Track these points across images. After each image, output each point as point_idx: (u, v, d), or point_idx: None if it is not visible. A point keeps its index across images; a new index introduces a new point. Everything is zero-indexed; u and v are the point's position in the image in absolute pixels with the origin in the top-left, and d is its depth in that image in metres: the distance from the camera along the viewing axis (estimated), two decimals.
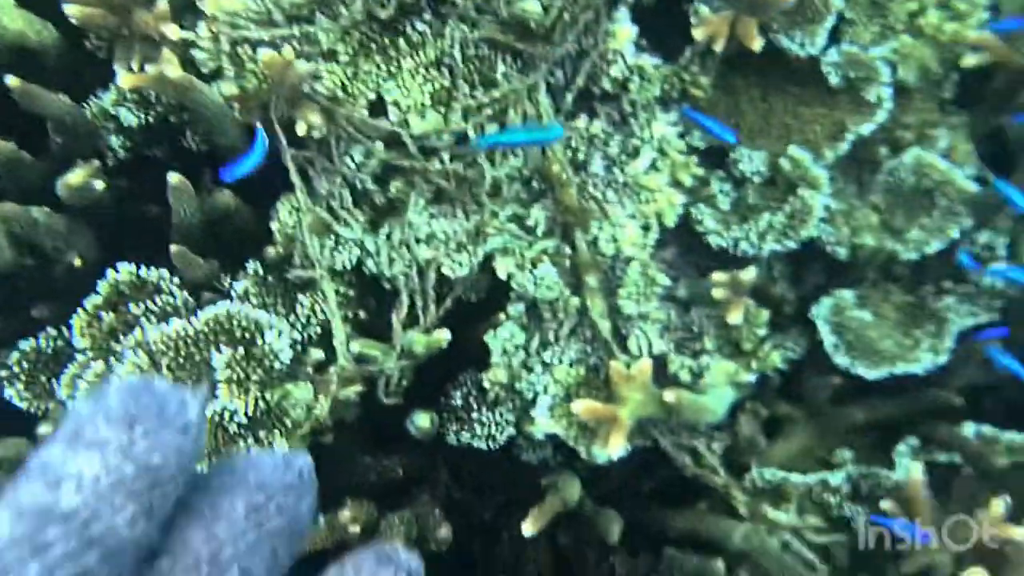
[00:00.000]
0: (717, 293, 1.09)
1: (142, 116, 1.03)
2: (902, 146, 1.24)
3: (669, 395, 1.03)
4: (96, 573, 0.21)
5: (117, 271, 0.99)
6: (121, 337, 0.94)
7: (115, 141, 1.05)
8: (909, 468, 1.07)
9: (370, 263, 1.08)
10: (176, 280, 1.00)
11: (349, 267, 1.08)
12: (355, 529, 0.99)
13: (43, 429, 0.98)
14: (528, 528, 1.08)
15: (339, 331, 1.05)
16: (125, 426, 0.22)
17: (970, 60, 1.21)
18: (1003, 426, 1.14)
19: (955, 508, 1.09)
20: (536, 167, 1.16)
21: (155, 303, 0.97)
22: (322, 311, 1.06)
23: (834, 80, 1.18)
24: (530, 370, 1.17)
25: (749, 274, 1.08)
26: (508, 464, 1.24)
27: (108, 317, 0.95)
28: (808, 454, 1.23)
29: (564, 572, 1.27)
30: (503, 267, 1.14)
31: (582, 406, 1.06)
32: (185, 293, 0.99)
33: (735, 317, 1.10)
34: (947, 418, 1.16)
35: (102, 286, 0.96)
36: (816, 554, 1.16)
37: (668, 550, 1.18)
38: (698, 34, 1.12)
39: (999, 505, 1.01)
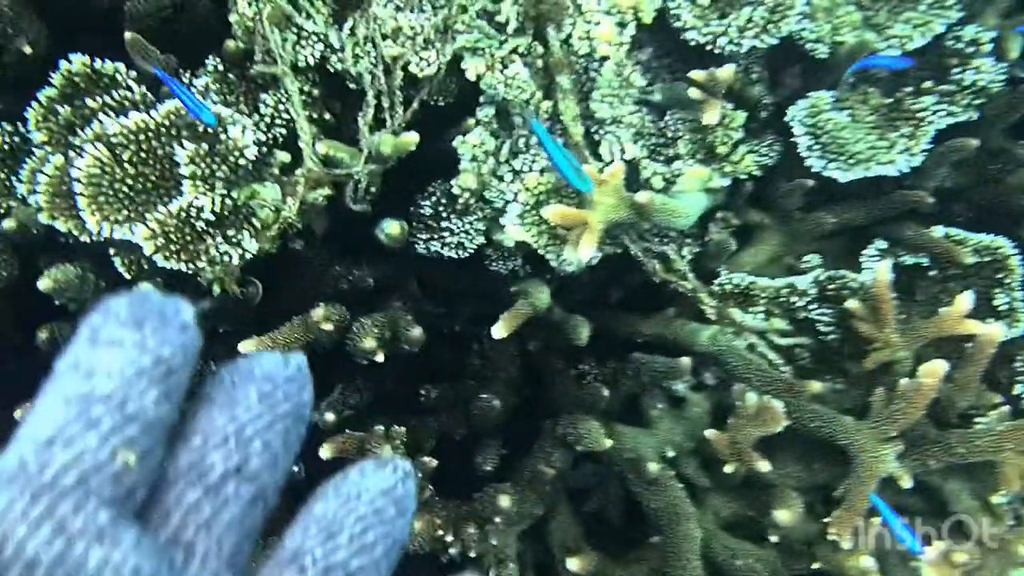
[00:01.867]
0: (693, 92, 1.10)
1: None
2: None
3: (642, 197, 1.05)
4: (139, 442, 0.27)
5: (71, 62, 0.97)
6: (78, 131, 0.94)
7: None
8: (876, 268, 1.13)
9: (335, 60, 1.07)
10: (133, 74, 0.99)
11: (312, 64, 1.06)
12: (328, 327, 1.03)
13: None
14: (498, 331, 1.12)
15: (305, 131, 1.05)
16: (135, 327, 0.27)
17: None
18: (971, 230, 1.20)
19: (919, 308, 1.16)
20: None
21: (112, 97, 0.96)
22: (287, 111, 1.06)
23: None
24: (500, 178, 1.19)
25: (727, 71, 1.08)
26: (477, 275, 1.29)
27: (64, 110, 0.94)
28: (777, 260, 1.28)
29: (533, 379, 1.35)
30: (472, 67, 1.13)
31: (553, 210, 1.09)
32: (143, 88, 0.98)
33: (711, 117, 1.11)
34: (917, 221, 1.21)
35: (56, 77, 0.95)
36: (780, 355, 1.24)
37: (635, 354, 1.25)
38: None
39: (963, 300, 1.07)
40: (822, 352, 1.22)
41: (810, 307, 1.21)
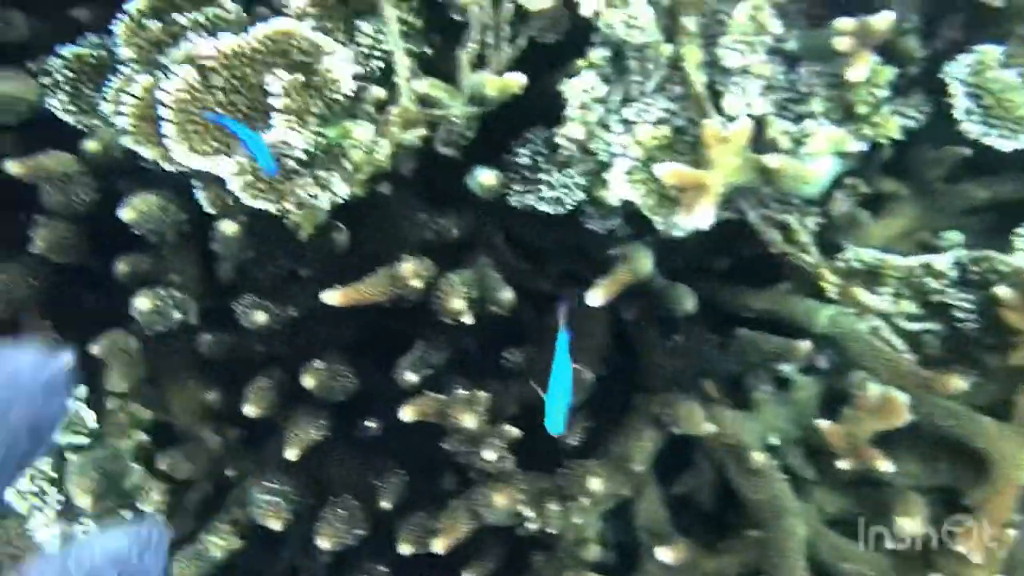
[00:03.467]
0: (841, 44, 1.00)
1: None
2: None
3: (772, 160, 0.97)
4: None
5: None
6: (168, 50, 0.90)
7: None
8: None
9: None
10: None
11: None
12: (416, 283, 0.99)
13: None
14: (595, 298, 1.06)
15: (402, 67, 0.99)
16: None
17: None
18: None
19: None
20: None
21: (205, 15, 0.92)
22: (384, 43, 1.00)
23: None
24: (608, 128, 1.11)
25: (885, 21, 0.98)
26: (570, 232, 1.22)
27: (154, 26, 0.90)
28: (911, 235, 1.18)
29: (623, 349, 1.29)
30: (589, 3, 1.05)
31: (669, 169, 1.01)
32: (238, 5, 0.93)
33: (859, 73, 1.01)
34: None
35: None
36: (906, 342, 1.15)
37: (742, 330, 1.18)
38: None
39: None
40: (955, 341, 1.13)
41: (948, 290, 1.12)
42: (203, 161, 0.89)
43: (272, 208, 0.92)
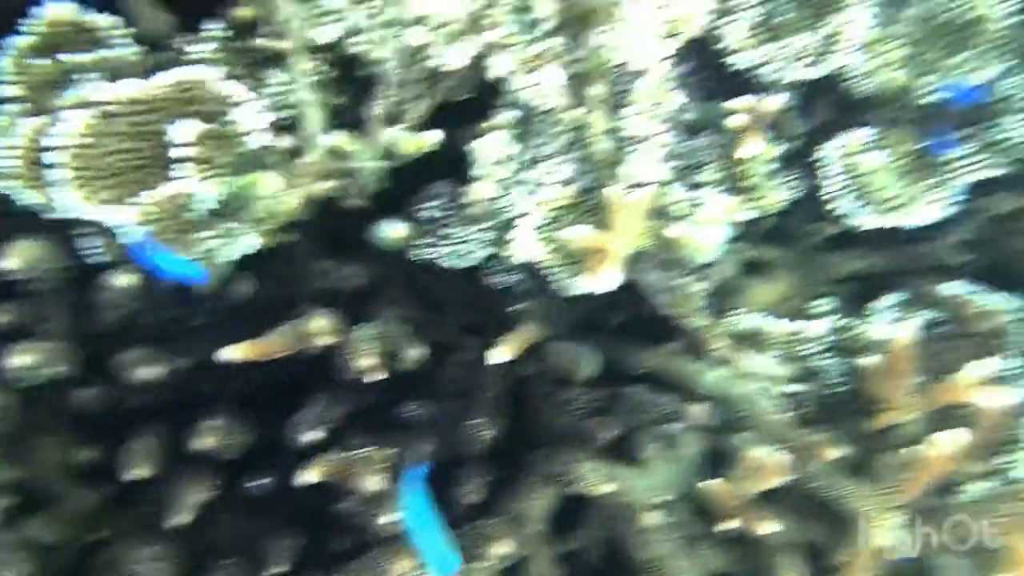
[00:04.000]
0: (735, 121, 1.07)
1: None
2: None
3: (674, 230, 1.01)
4: None
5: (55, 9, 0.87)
6: (60, 91, 0.84)
7: None
8: (899, 328, 1.11)
9: (354, 41, 0.99)
10: (129, 30, 0.89)
11: (328, 43, 0.99)
12: (326, 340, 0.96)
13: None
14: (500, 355, 1.07)
15: (314, 118, 0.97)
16: None
17: None
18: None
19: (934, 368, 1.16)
20: None
21: (103, 55, 0.86)
22: (295, 93, 0.98)
23: None
24: (515, 187, 1.13)
25: (774, 103, 1.05)
26: (471, 285, 1.23)
27: (42, 65, 0.84)
28: (788, 300, 1.27)
29: (517, 402, 1.30)
30: (500, 65, 1.07)
31: (575, 233, 1.04)
32: (139, 48, 0.88)
33: (750, 149, 1.08)
34: (937, 274, 1.21)
35: (37, 25, 0.84)
36: (785, 403, 1.22)
37: (633, 387, 1.22)
38: None
39: (975, 368, 1.07)
40: (828, 403, 1.21)
41: (821, 355, 1.20)
42: (102, 210, 0.83)
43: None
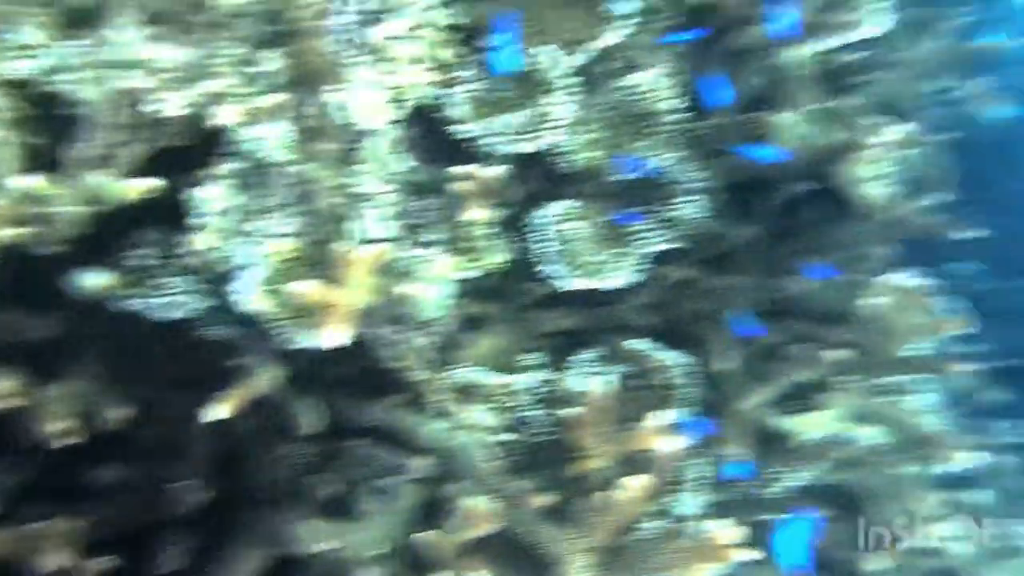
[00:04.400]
0: (462, 187, 1.11)
1: None
2: (630, 65, 1.35)
3: (402, 288, 1.03)
4: None
5: None
6: None
7: None
8: (594, 382, 1.22)
9: (58, 79, 0.89)
10: None
11: (23, 80, 0.88)
12: (14, 403, 0.85)
13: None
14: (219, 412, 1.02)
15: (6, 158, 0.86)
16: None
17: None
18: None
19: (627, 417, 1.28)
20: (280, 8, 1.05)
21: None
22: None
23: None
24: (240, 237, 1.08)
25: (494, 173, 1.11)
26: (183, 337, 1.15)
27: None
28: (501, 355, 1.34)
29: (230, 459, 1.23)
30: (226, 114, 1.03)
31: (305, 287, 1.02)
32: None
33: (473, 214, 1.13)
34: (628, 332, 1.34)
35: None
36: (495, 452, 1.28)
37: (353, 441, 1.21)
38: None
39: (657, 418, 1.21)
40: (532, 452, 1.29)
41: (527, 407, 1.27)
42: None
43: None
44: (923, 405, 1.63)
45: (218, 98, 1.01)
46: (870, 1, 1.40)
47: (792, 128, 1.40)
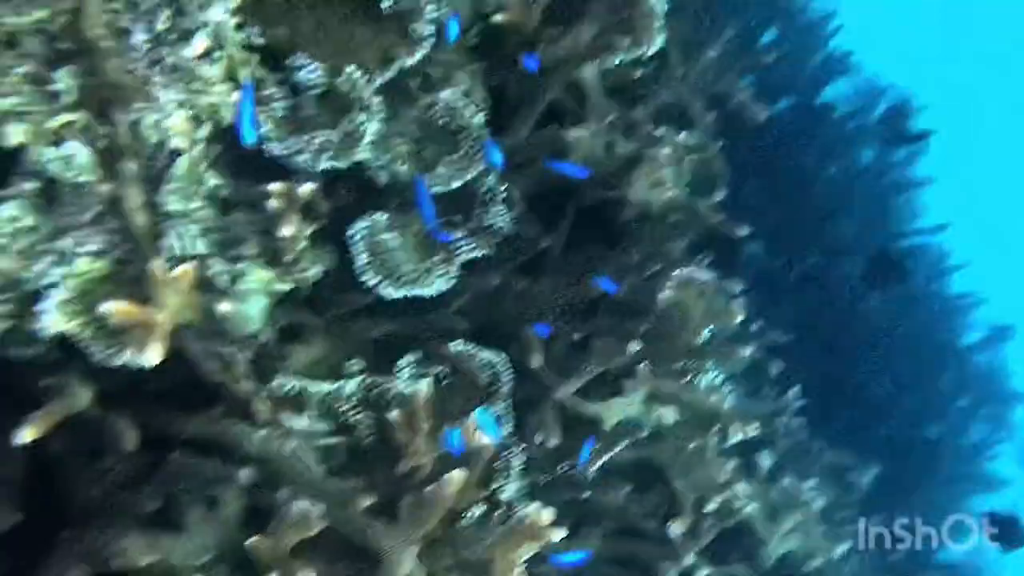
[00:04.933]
0: (273, 203, 1.13)
1: None
2: (431, 82, 1.42)
3: (223, 306, 1.04)
4: None
5: None
6: None
7: None
8: (416, 385, 1.27)
9: None
10: None
11: None
12: None
13: None
14: (28, 435, 0.99)
15: None
16: None
17: (497, 18, 1.45)
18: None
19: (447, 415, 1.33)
20: (67, 25, 1.03)
21: None
22: None
23: (386, 4, 1.28)
24: (39, 257, 1.05)
25: (307, 189, 1.14)
26: None
27: None
28: (325, 362, 1.36)
29: (44, 478, 1.19)
30: (16, 133, 1.00)
31: (115, 307, 1.00)
32: None
33: (288, 230, 1.15)
34: (445, 337, 1.40)
35: None
36: (320, 456, 1.30)
37: (175, 454, 1.20)
38: None
39: (475, 417, 1.28)
40: (356, 452, 1.32)
41: (352, 411, 1.31)
42: None
43: None
44: (713, 384, 1.80)
45: (7, 117, 0.99)
46: (646, 22, 1.52)
47: (586, 142, 1.51)
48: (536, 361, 1.48)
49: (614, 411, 1.60)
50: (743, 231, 1.71)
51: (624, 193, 1.58)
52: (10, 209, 1.02)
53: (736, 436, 1.81)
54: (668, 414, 1.71)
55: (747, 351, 1.84)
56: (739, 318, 1.83)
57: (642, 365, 1.61)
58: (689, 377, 1.77)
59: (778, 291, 3.11)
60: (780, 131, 2.94)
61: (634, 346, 1.58)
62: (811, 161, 3.20)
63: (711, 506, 1.83)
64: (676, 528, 1.75)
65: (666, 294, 1.73)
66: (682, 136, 1.68)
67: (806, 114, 3.13)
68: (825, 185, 3.27)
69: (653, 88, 1.74)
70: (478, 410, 1.26)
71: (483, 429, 1.25)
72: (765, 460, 2.02)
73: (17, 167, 1.04)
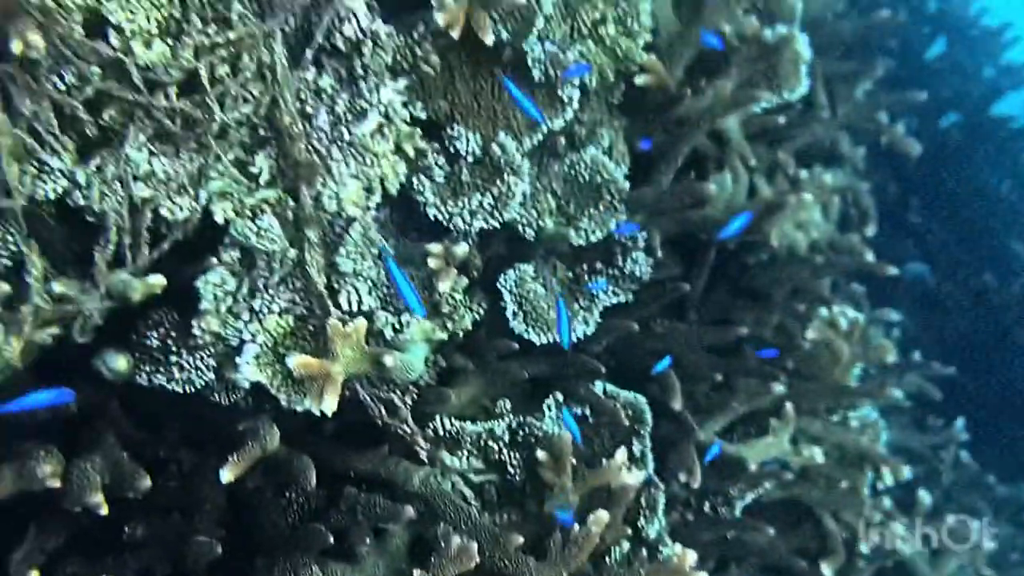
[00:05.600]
0: (432, 263, 1.23)
1: None
2: (577, 140, 1.48)
3: (389, 359, 1.14)
4: None
5: None
6: None
7: None
8: (560, 428, 1.33)
9: (77, 196, 1.01)
10: None
11: (53, 198, 1.00)
12: (54, 484, 0.95)
13: None
14: (228, 475, 1.12)
15: (36, 268, 0.97)
16: None
17: (640, 80, 1.49)
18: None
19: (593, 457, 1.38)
20: (265, 115, 1.17)
21: None
22: (14, 243, 0.97)
23: (536, 75, 1.36)
24: (237, 316, 1.20)
25: (462, 248, 1.23)
26: (191, 402, 1.25)
27: None
28: (476, 402, 1.45)
29: (240, 509, 1.33)
30: (221, 211, 1.14)
31: (298, 360, 1.12)
32: None
33: (445, 285, 1.25)
34: (587, 377, 1.45)
35: None
36: (474, 492, 1.38)
37: (349, 489, 1.31)
38: (440, 19, 1.21)
39: (620, 455, 1.32)
40: (508, 490, 1.39)
41: (503, 450, 1.38)
42: None
43: None
44: (866, 422, 1.74)
45: (216, 197, 1.13)
46: (790, 68, 1.52)
47: (727, 188, 1.52)
48: (677, 402, 1.50)
49: (759, 451, 1.59)
50: (892, 270, 1.65)
51: (767, 234, 1.57)
52: (216, 275, 1.16)
53: (888, 478, 1.75)
54: (817, 454, 1.68)
55: (902, 386, 1.77)
56: (891, 356, 1.77)
57: (788, 405, 1.60)
58: (838, 416, 1.73)
59: (944, 312, 2.95)
60: (948, 147, 2.78)
61: (779, 386, 1.57)
62: (981, 177, 3.00)
63: (865, 546, 1.78)
64: (827, 568, 1.71)
65: (812, 333, 1.70)
66: (829, 176, 1.66)
67: (976, 129, 2.93)
68: (996, 202, 3.05)
69: (798, 129, 1.72)
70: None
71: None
72: (926, 497, 1.92)
73: (223, 238, 1.18)
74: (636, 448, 1.43)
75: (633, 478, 1.31)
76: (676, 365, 1.50)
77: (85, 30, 0.98)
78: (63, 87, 0.98)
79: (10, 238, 0.98)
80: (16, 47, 0.89)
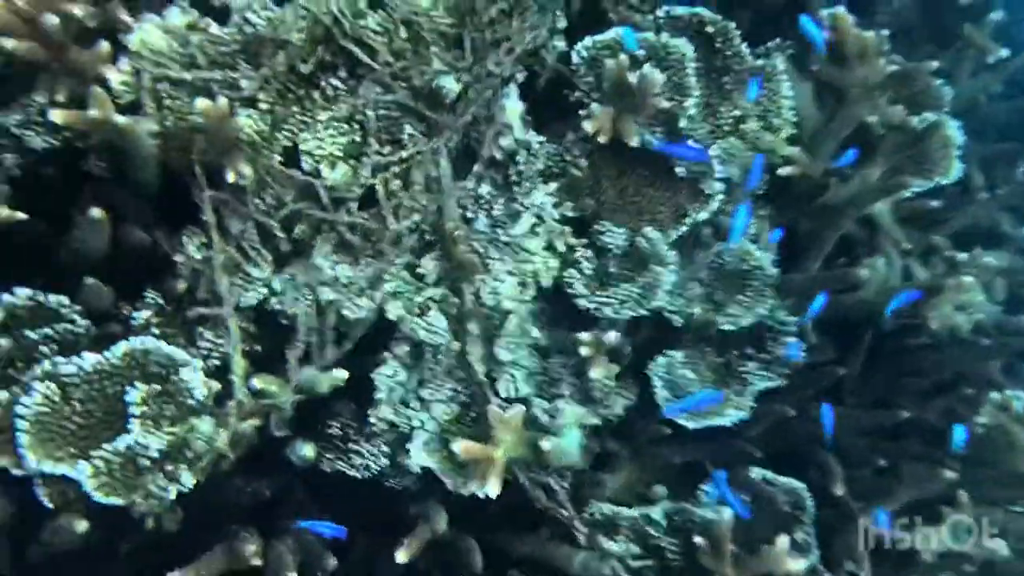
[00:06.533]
0: (584, 351, 1.25)
1: (49, 140, 0.99)
2: (722, 229, 1.47)
3: (546, 443, 1.16)
4: None
5: (12, 294, 0.95)
6: (19, 364, 0.91)
7: (10, 160, 1.01)
8: (720, 513, 1.28)
9: (273, 301, 1.12)
10: (77, 307, 0.98)
11: (254, 304, 1.11)
12: (258, 562, 1.02)
13: None
14: (403, 556, 1.16)
15: (239, 367, 1.08)
16: None
17: (784, 171, 1.48)
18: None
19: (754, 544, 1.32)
20: (432, 222, 1.26)
21: (55, 330, 0.94)
22: (222, 346, 1.08)
23: (680, 171, 1.38)
24: (407, 405, 1.26)
25: (612, 337, 1.25)
26: (369, 489, 1.32)
27: (4, 343, 0.91)
28: (631, 487, 1.43)
29: None
30: (393, 310, 1.22)
31: (462, 447, 1.17)
32: (87, 321, 0.97)
33: (598, 373, 1.26)
34: (743, 462, 1.41)
35: None
36: None
37: (512, 572, 1.32)
38: (588, 126, 1.27)
39: (783, 542, 1.26)
40: (667, 574, 1.35)
41: (660, 535, 1.35)
42: (59, 466, 0.89)
43: (121, 502, 0.93)
44: None
45: (390, 297, 1.21)
46: (941, 153, 1.46)
47: (879, 273, 1.46)
48: (839, 487, 1.41)
49: (929, 541, 1.46)
50: None
51: (926, 318, 1.48)
52: (388, 368, 1.24)
53: None
54: (1001, 546, 1.52)
55: None
56: None
57: (962, 492, 1.47)
58: (1021, 508, 1.56)
59: None
60: None
61: (949, 473, 1.45)
62: None
63: None
64: None
65: (984, 418, 1.56)
66: (991, 257, 1.56)
67: None
68: None
69: (954, 212, 1.64)
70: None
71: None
72: None
73: (394, 334, 1.26)
74: (798, 535, 1.35)
75: (797, 565, 1.24)
76: (834, 449, 1.42)
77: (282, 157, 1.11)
78: (263, 208, 1.10)
79: (220, 341, 1.09)
80: (231, 177, 1.01)
